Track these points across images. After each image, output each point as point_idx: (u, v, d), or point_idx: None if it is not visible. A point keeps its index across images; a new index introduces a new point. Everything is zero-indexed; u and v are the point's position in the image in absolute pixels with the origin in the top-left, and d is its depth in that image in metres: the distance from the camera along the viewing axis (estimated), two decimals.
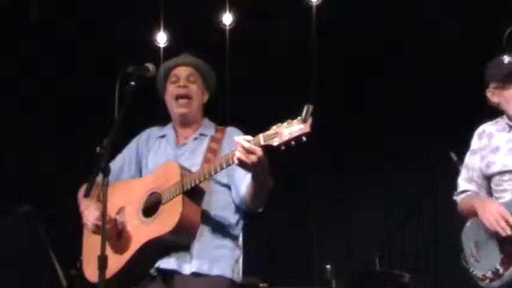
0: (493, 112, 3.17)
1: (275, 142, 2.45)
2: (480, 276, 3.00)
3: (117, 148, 3.03)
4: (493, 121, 3.19)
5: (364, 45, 5.65)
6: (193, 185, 2.72)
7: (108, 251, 2.73)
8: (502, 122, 3.15)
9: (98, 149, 2.58)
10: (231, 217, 2.94)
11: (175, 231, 2.71)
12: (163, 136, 3.10)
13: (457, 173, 3.47)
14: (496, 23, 3.37)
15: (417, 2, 5.38)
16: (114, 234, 2.89)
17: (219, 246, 2.89)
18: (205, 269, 2.82)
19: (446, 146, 3.99)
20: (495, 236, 2.96)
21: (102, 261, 2.53)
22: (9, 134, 5.62)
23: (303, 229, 5.93)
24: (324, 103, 5.92)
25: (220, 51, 5.58)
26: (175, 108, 3.03)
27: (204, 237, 2.84)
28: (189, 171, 2.81)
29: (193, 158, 2.95)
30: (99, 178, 2.63)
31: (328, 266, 4.74)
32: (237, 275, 2.95)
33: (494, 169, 3.07)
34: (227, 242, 2.92)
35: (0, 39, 5.62)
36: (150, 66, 2.83)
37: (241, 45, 5.78)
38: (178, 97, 3.02)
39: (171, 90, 3.03)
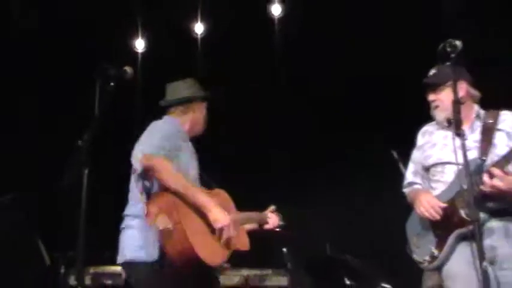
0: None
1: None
2: (421, 260, 3.39)
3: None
4: (434, 121, 3.54)
5: (329, 52, 5.91)
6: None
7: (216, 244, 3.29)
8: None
9: (78, 142, 2.78)
10: None
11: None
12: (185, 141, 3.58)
13: (398, 169, 3.86)
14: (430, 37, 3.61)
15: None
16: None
17: None
18: None
19: (389, 145, 4.27)
20: (429, 223, 3.32)
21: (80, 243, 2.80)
22: None
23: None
24: (302, 104, 6.08)
25: (193, 58, 5.88)
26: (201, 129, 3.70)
27: None
28: None
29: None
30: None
31: (284, 250, 4.85)
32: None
33: (430, 161, 3.44)
34: None
35: None
36: (128, 69, 3.10)
37: (212, 52, 6.03)
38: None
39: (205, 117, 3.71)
